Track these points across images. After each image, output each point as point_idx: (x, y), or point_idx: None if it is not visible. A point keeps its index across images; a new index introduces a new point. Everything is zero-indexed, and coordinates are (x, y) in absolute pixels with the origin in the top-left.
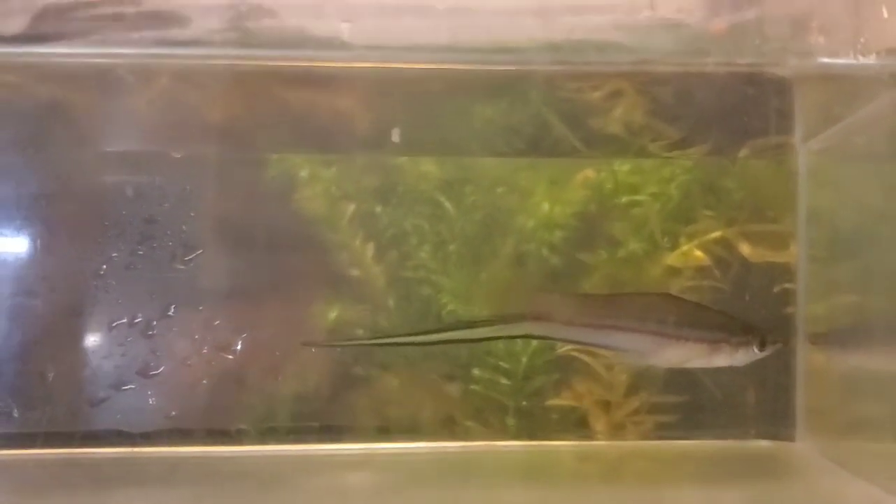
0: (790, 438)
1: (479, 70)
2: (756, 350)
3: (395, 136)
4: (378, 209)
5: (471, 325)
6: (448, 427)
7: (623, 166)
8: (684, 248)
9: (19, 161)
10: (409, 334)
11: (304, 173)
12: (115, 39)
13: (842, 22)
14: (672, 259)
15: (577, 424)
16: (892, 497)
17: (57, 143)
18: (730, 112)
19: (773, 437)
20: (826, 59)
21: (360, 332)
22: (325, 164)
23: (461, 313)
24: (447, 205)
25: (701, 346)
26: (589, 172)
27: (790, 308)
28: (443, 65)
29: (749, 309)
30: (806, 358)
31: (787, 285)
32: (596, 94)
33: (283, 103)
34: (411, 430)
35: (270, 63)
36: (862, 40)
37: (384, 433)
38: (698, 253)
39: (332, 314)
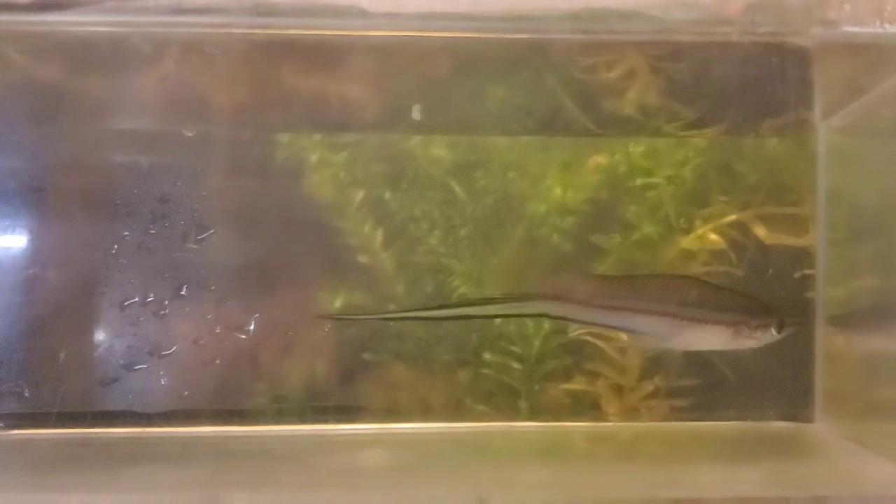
0: (809, 420)
1: (497, 39)
2: (775, 332)
3: (416, 112)
4: (387, 195)
5: (485, 301)
6: (459, 411)
7: (637, 147)
8: (699, 231)
9: (30, 136)
10: (423, 309)
11: (314, 157)
12: (129, 7)
13: None
14: (687, 243)
15: (590, 408)
16: None
17: (69, 118)
18: (748, 87)
19: (793, 418)
20: (850, 28)
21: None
22: (335, 147)
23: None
24: (458, 189)
25: (720, 329)
26: (600, 158)
27: (810, 293)
28: (461, 33)
29: (767, 292)
30: (825, 339)
31: (806, 271)
32: (611, 73)
33: (296, 81)
34: (422, 414)
35: (286, 32)
36: (889, 7)
37: (395, 415)
38: (713, 237)
39: (338, 302)
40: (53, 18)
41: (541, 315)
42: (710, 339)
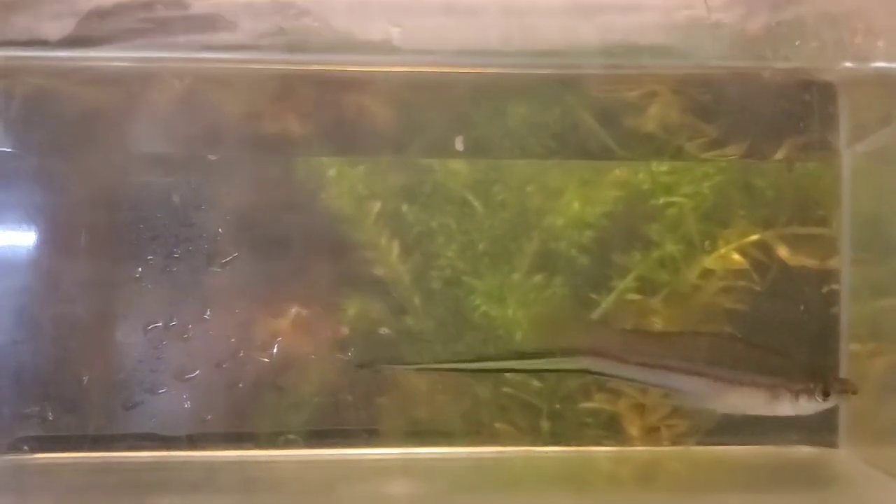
0: (833, 445)
1: (528, 74)
2: (819, 399)
3: (459, 143)
4: (405, 207)
5: (528, 356)
6: (478, 431)
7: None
8: (722, 251)
9: (59, 165)
10: (466, 361)
11: (332, 172)
12: (160, 43)
13: (887, 24)
14: (710, 262)
15: (610, 428)
16: None
17: (96, 148)
18: (775, 119)
19: (816, 443)
20: (873, 63)
21: (384, 330)
22: (352, 164)
23: (493, 314)
24: (475, 203)
25: (758, 392)
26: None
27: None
28: (492, 69)
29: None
30: (850, 362)
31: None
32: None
33: (325, 108)
34: (443, 435)
35: (317, 68)
36: None
37: (415, 437)
38: (736, 257)
39: (352, 311)
40: (86, 54)
41: (583, 371)
42: (748, 402)
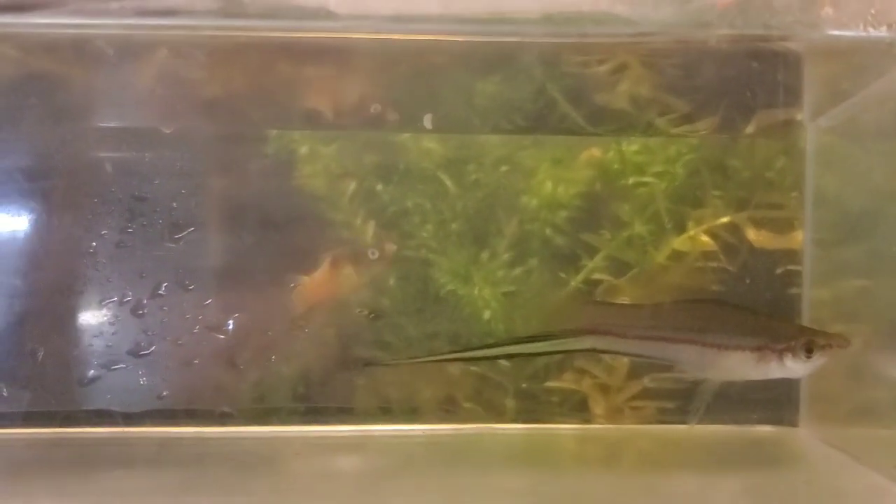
0: (794, 424)
1: (473, 42)
2: (804, 356)
3: (427, 122)
4: (379, 187)
5: (533, 339)
6: (446, 408)
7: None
8: (691, 232)
9: (3, 136)
10: (470, 349)
11: (304, 149)
12: (94, 9)
13: None
14: (678, 244)
15: (577, 408)
16: (893, 484)
17: (42, 118)
18: (736, 90)
19: (777, 422)
20: (835, 32)
21: (358, 310)
22: (325, 141)
23: (460, 293)
24: (449, 183)
25: (744, 355)
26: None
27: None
28: (436, 36)
29: (751, 292)
30: None
31: (790, 267)
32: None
33: (273, 77)
34: (410, 412)
35: (255, 34)
36: (873, 11)
37: (383, 414)
38: (705, 238)
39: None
40: (20, 20)
41: (590, 350)
42: (738, 367)
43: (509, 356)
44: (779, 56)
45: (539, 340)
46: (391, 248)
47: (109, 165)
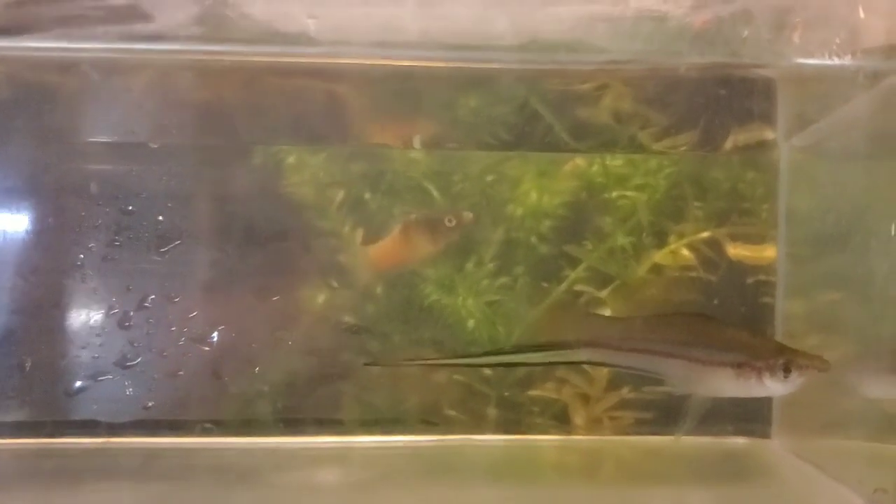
0: (766, 435)
1: (450, 68)
2: (783, 376)
3: (417, 142)
4: (367, 196)
5: (530, 349)
6: (429, 416)
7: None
8: (672, 246)
9: None
10: (468, 356)
11: (291, 159)
12: (79, 34)
13: (820, 22)
14: (658, 257)
15: (557, 417)
16: (859, 499)
17: (31, 136)
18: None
19: (750, 433)
20: (803, 60)
21: (346, 318)
22: (312, 151)
23: (444, 303)
24: (435, 193)
25: (724, 371)
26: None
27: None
28: (413, 62)
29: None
30: None
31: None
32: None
33: (259, 96)
34: (393, 421)
35: (239, 59)
36: (837, 41)
37: (365, 424)
38: (685, 252)
39: (320, 299)
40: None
41: (585, 363)
42: (720, 383)
43: (507, 365)
44: (754, 81)
45: (537, 351)
46: (468, 216)
47: (97, 180)
